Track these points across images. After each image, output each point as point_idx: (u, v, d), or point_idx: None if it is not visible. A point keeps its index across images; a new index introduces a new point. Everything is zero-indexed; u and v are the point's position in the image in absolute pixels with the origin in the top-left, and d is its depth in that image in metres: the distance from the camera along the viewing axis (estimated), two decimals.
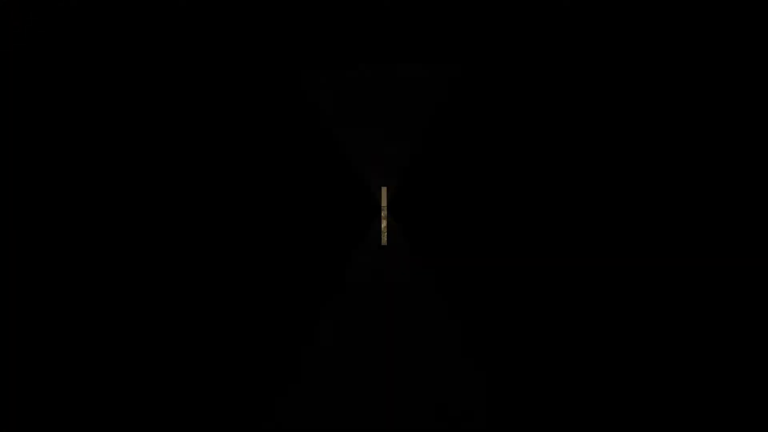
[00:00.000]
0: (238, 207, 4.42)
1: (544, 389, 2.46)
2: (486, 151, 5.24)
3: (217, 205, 4.22)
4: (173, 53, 3.62)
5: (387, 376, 2.64)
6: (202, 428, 2.07)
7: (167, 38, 3.46)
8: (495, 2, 3.63)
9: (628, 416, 2.18)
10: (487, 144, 5.20)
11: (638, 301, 3.45)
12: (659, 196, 3.32)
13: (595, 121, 3.72)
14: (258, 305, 4.13)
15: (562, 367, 2.74)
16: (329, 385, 2.50)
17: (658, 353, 2.91)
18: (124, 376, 2.62)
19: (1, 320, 3.14)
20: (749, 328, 2.83)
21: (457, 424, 2.09)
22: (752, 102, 2.78)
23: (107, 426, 2.09)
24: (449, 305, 4.31)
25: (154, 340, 3.23)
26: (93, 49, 3.28)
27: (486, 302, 4.36)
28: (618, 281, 3.62)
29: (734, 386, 2.45)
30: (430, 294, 4.78)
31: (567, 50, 3.82)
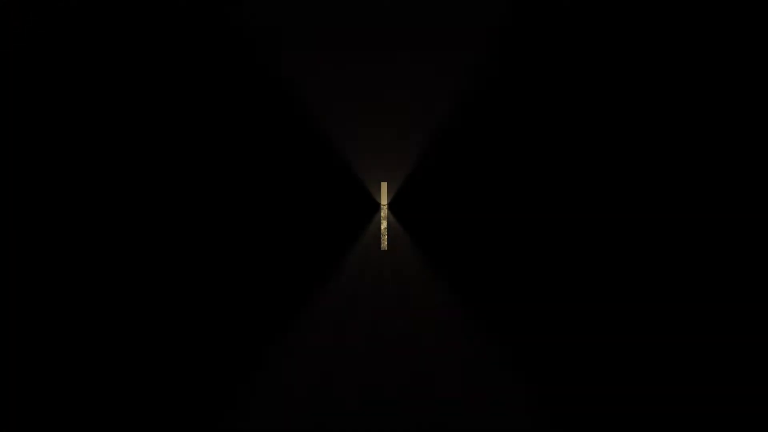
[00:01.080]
0: (210, 200, 4.41)
1: (548, 390, 2.46)
2: (490, 148, 5.23)
3: (192, 197, 4.21)
4: (173, 53, 3.62)
5: (386, 376, 2.64)
6: (196, 427, 2.07)
7: (167, 38, 3.46)
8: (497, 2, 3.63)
9: (630, 417, 2.18)
10: (490, 142, 5.19)
11: (639, 302, 3.44)
12: (660, 198, 3.32)
13: (596, 122, 3.71)
14: (231, 304, 4.13)
15: (565, 367, 2.74)
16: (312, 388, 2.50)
17: (660, 354, 2.91)
18: (113, 375, 2.63)
19: (1, 320, 3.14)
20: (750, 328, 2.82)
21: (458, 423, 2.10)
22: (752, 103, 2.78)
23: (104, 425, 2.10)
24: (454, 306, 4.31)
25: (139, 337, 3.23)
26: (93, 48, 3.28)
27: (488, 303, 4.36)
28: (618, 281, 3.62)
29: (734, 386, 2.45)
30: (430, 295, 4.78)
31: (569, 53, 3.82)
